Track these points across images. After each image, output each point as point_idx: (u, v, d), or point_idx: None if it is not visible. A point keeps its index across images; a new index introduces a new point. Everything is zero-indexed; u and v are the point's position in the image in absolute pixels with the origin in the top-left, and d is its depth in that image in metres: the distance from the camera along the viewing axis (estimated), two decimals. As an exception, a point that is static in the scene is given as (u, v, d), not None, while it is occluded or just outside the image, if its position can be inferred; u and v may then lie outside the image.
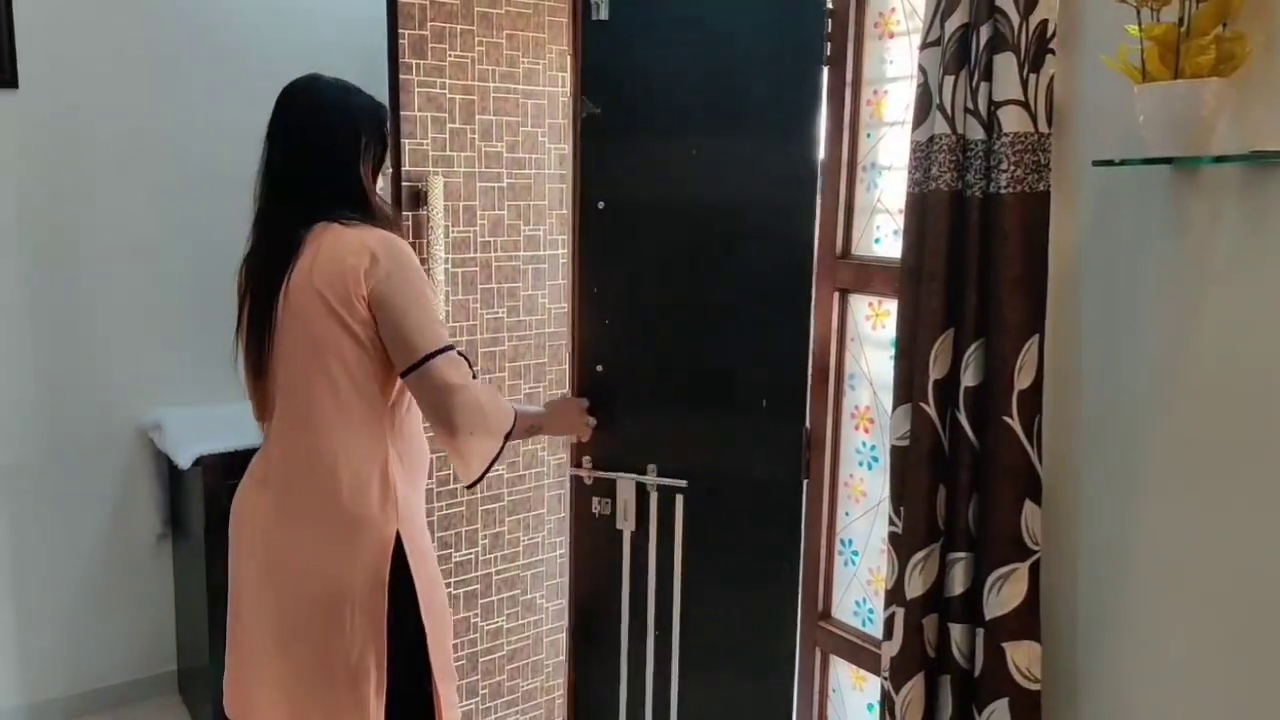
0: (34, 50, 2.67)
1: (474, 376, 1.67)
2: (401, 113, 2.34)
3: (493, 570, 2.63)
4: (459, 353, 1.64)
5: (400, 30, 2.31)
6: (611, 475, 2.02)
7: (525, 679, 2.72)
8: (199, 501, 2.61)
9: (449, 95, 2.40)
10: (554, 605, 2.75)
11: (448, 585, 2.54)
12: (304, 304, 1.59)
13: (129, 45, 2.77)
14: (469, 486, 1.82)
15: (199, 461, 2.58)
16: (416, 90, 2.35)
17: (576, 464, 2.07)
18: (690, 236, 1.90)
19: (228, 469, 2.46)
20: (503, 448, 1.72)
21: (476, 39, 2.41)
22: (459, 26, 2.39)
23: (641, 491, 1.99)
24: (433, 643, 1.69)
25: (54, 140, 2.75)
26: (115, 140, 2.80)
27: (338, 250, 1.59)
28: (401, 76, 2.32)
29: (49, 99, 2.72)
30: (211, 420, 2.77)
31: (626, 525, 2.02)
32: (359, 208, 1.67)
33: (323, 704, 1.66)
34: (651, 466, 1.98)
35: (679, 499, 1.94)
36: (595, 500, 2.07)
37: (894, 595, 1.36)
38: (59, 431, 2.79)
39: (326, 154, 1.67)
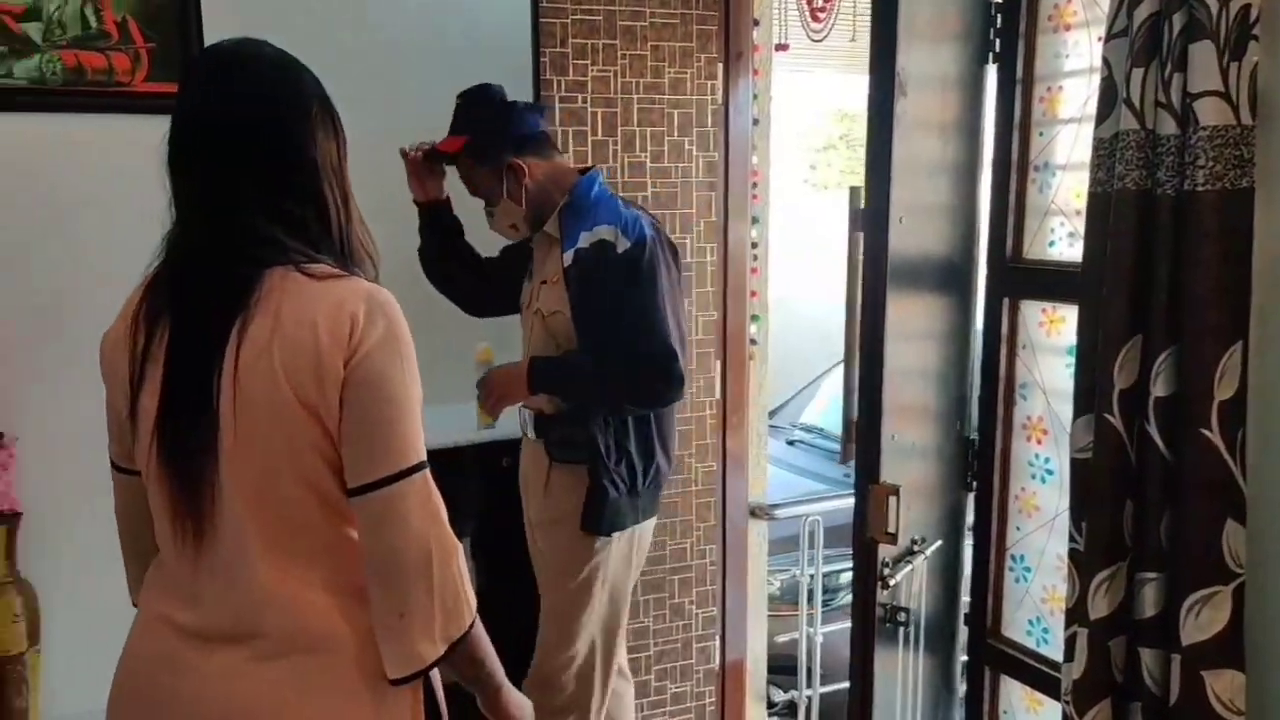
0: None
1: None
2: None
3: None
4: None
5: (542, 49, 2.35)
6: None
7: (674, 682, 2.74)
8: None
9: (590, 109, 2.44)
10: (704, 612, 2.75)
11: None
12: (263, 391, 1.09)
13: (314, 67, 2.86)
14: (395, 682, 1.15)
15: None
16: (558, 106, 2.39)
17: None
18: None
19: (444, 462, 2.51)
20: (436, 662, 1.15)
21: (619, 53, 2.44)
22: (601, 42, 2.42)
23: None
24: None
25: None
26: None
27: (306, 314, 1.10)
28: (542, 94, 2.37)
29: None
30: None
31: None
32: (329, 242, 1.18)
33: None
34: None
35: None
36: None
37: (1075, 615, 1.29)
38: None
39: (291, 154, 1.17)
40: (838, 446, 3.93)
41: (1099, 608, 1.26)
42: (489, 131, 1.95)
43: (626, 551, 2.04)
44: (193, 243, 1.15)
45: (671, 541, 2.68)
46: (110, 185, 2.27)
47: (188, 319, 1.13)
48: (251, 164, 1.14)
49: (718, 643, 2.80)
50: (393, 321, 1.13)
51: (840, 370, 4.56)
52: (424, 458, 1.15)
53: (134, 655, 1.21)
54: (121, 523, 1.31)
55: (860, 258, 1.75)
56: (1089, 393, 1.28)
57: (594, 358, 1.92)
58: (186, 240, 1.16)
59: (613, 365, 1.91)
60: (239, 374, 1.09)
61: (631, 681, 2.29)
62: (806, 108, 7.05)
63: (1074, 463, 1.33)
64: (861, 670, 1.74)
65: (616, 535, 2.00)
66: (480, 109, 1.97)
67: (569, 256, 1.91)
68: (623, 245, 1.87)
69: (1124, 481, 1.25)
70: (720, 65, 2.57)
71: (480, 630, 1.21)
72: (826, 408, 4.43)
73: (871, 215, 1.64)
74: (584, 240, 1.89)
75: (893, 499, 1.61)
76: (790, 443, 4.16)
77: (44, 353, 2.33)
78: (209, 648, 1.14)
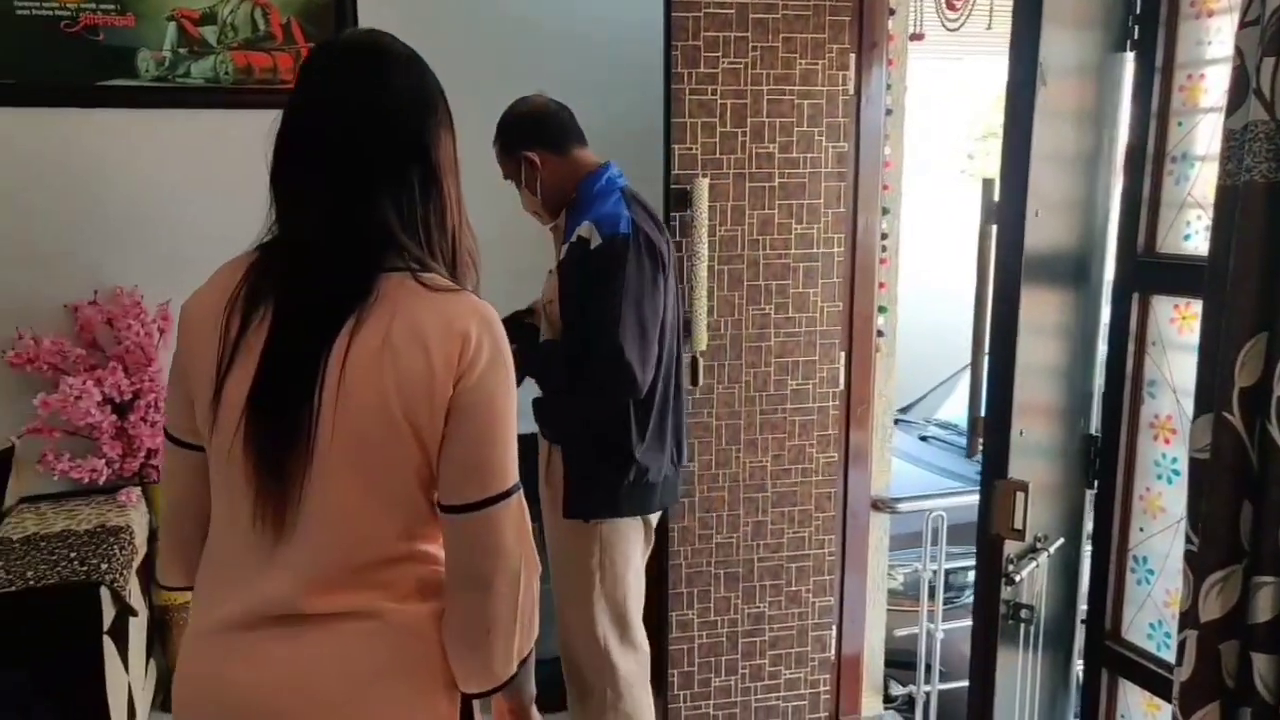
0: None
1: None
2: (672, 120, 2.45)
3: (755, 557, 2.69)
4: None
5: (673, 43, 2.41)
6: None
7: (788, 668, 2.77)
8: None
9: (720, 101, 2.48)
10: (820, 601, 2.76)
11: (709, 565, 2.64)
12: (371, 400, 1.08)
13: (460, 67, 2.95)
14: (474, 697, 1.21)
15: None
16: (687, 98, 2.45)
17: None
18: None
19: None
20: (508, 682, 1.18)
21: (750, 45, 2.47)
22: (732, 34, 2.46)
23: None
24: None
25: None
26: None
27: (419, 329, 1.09)
28: (673, 86, 2.43)
29: None
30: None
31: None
32: (445, 244, 1.17)
33: None
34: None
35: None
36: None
37: (1187, 618, 1.26)
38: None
39: (420, 149, 1.16)
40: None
41: (1210, 610, 1.23)
42: (510, 125, 2.10)
43: (621, 537, 2.08)
44: (309, 234, 1.13)
45: (790, 530, 2.71)
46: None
47: (298, 309, 1.11)
48: (381, 154, 1.12)
49: (834, 632, 2.81)
50: (498, 340, 1.12)
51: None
52: (518, 479, 1.15)
53: (196, 659, 1.18)
54: (170, 494, 1.27)
55: (991, 251, 1.73)
56: (1209, 391, 1.24)
57: (558, 348, 2.02)
58: (303, 229, 1.13)
59: (566, 356, 1.99)
60: (345, 374, 1.08)
61: (646, 654, 2.26)
62: (967, 95, 6.83)
63: (1193, 462, 1.30)
64: (983, 666, 1.73)
65: (605, 522, 2.04)
66: (511, 109, 2.12)
67: (564, 249, 2.01)
68: (595, 241, 1.93)
69: (1243, 483, 1.21)
70: (853, 56, 2.56)
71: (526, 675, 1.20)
72: (964, 404, 4.34)
73: (1007, 208, 1.62)
74: (574, 235, 1.98)
75: (1020, 494, 1.59)
76: (923, 438, 4.10)
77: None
78: (267, 631, 1.12)
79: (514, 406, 1.15)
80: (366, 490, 1.11)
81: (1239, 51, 1.21)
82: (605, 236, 1.93)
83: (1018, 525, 1.60)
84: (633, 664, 2.15)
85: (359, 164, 1.13)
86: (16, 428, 2.59)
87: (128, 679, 2.30)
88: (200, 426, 1.17)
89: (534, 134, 2.06)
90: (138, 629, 2.48)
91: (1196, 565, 1.26)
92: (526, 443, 2.58)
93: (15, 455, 2.62)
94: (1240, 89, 1.21)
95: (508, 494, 1.13)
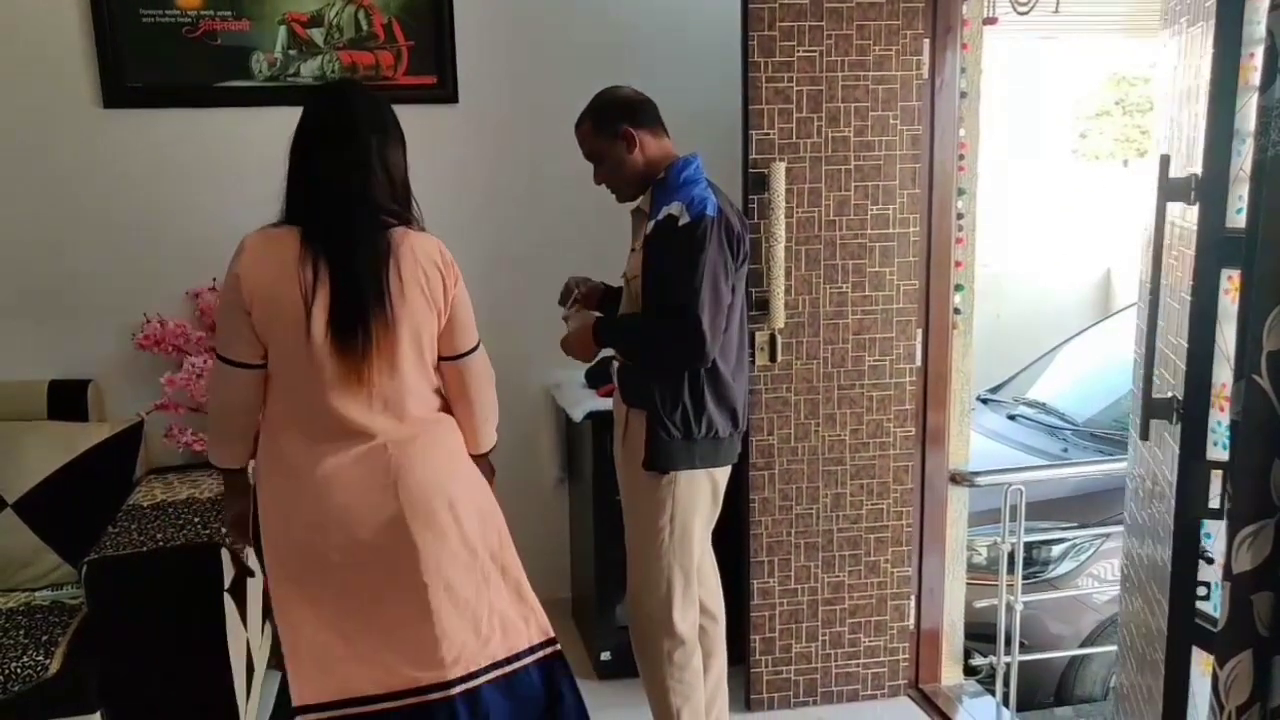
0: (470, 68, 3.04)
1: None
2: (750, 107, 2.56)
3: (834, 528, 2.79)
4: None
5: (750, 32, 2.51)
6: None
7: (868, 636, 2.86)
8: (589, 450, 2.94)
9: (796, 88, 2.57)
10: (899, 572, 2.84)
11: (789, 534, 2.76)
12: (417, 298, 1.85)
13: (548, 63, 3.11)
14: (483, 456, 2.11)
15: (589, 416, 2.87)
16: (765, 85, 2.55)
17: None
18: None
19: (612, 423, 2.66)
20: (490, 452, 2.12)
21: (825, 33, 2.56)
22: (808, 24, 2.55)
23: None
24: None
25: (488, 151, 3.11)
26: (535, 150, 3.09)
27: (425, 256, 1.87)
28: (750, 74, 2.53)
29: (484, 112, 3.08)
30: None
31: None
32: (408, 204, 1.93)
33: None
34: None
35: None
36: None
37: (1224, 571, 1.33)
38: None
39: (399, 151, 1.92)
40: (1060, 423, 3.86)
41: (1242, 562, 1.30)
42: (607, 104, 2.24)
43: (691, 493, 2.23)
44: (335, 210, 1.83)
45: (869, 502, 2.80)
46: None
47: (356, 253, 1.82)
48: (381, 149, 1.87)
49: (913, 602, 2.89)
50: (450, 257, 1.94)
51: (1071, 347, 4.44)
52: (478, 340, 2.00)
53: (316, 477, 1.89)
54: (226, 400, 1.94)
55: (1168, 229, 1.69)
56: (1242, 357, 1.31)
57: (641, 318, 2.18)
58: (326, 206, 1.83)
59: (649, 325, 2.16)
60: (404, 285, 1.83)
61: (720, 622, 2.45)
62: (1071, 74, 6.62)
63: (1231, 425, 1.36)
64: (1179, 647, 1.72)
65: (680, 475, 2.20)
66: (605, 93, 2.27)
67: (650, 227, 2.14)
68: (684, 220, 2.08)
69: (1272, 441, 1.27)
70: (926, 41, 2.62)
71: None
72: (1055, 384, 4.31)
73: (1208, 185, 1.60)
74: (662, 214, 2.12)
75: (1216, 473, 1.58)
76: (1011, 417, 4.10)
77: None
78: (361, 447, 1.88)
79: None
80: (415, 353, 1.89)
81: (1269, 32, 1.27)
82: (694, 216, 2.08)
83: (1215, 506, 1.59)
84: (692, 619, 2.30)
85: (370, 154, 1.87)
86: (145, 405, 2.88)
87: (246, 635, 2.52)
88: (272, 346, 1.86)
89: (632, 114, 2.22)
90: (255, 591, 2.71)
91: (1231, 520, 1.33)
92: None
93: (144, 430, 2.89)
94: (1270, 67, 1.26)
95: (477, 346, 2.00)
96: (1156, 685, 1.86)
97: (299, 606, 1.90)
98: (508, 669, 1.98)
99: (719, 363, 2.16)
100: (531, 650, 2.03)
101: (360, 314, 1.81)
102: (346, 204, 1.83)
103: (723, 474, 2.31)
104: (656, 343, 2.17)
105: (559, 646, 2.08)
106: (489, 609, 1.97)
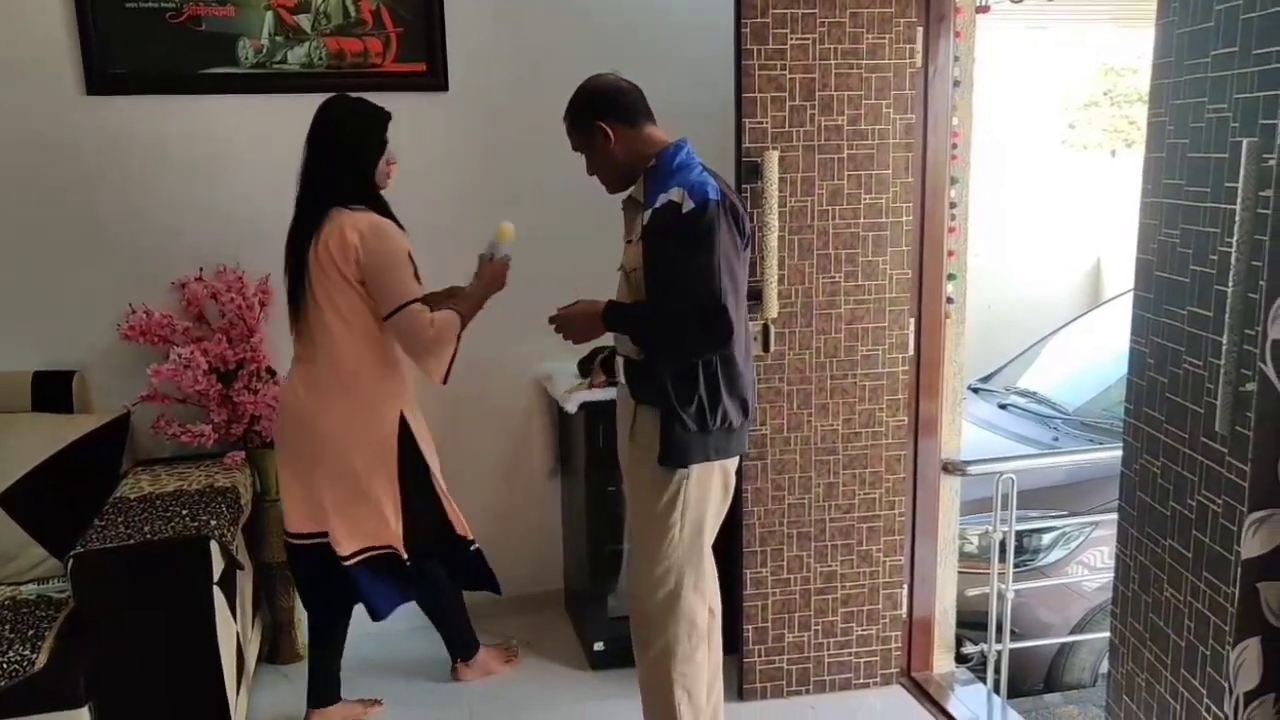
0: (460, 55, 3.01)
1: (430, 312, 2.40)
2: (743, 95, 2.53)
3: (826, 517, 2.78)
4: (420, 302, 2.39)
5: (743, 20, 2.49)
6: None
7: (860, 625, 2.86)
8: (581, 442, 2.92)
9: (789, 76, 2.55)
10: (891, 561, 2.84)
11: (781, 524, 2.75)
12: (323, 265, 2.36)
13: (539, 50, 3.08)
14: (443, 383, 2.46)
15: (582, 408, 2.86)
16: (758, 73, 2.53)
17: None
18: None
19: (606, 415, 2.62)
20: (457, 346, 2.44)
21: (818, 20, 2.54)
22: (800, 11, 2.53)
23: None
24: (434, 472, 2.61)
25: (478, 139, 3.08)
26: (525, 138, 3.06)
27: (344, 230, 2.34)
28: (743, 62, 2.51)
29: (474, 101, 3.06)
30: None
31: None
32: (368, 197, 2.40)
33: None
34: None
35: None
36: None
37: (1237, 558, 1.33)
38: (484, 379, 3.15)
39: (349, 156, 2.39)
40: (1052, 412, 3.87)
41: (1251, 548, 1.29)
42: (581, 99, 2.22)
43: (703, 489, 2.20)
44: (304, 200, 2.43)
45: (861, 491, 2.80)
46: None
47: (297, 232, 2.42)
48: (349, 154, 2.42)
49: (905, 591, 2.90)
50: (382, 233, 2.38)
51: (1062, 336, 4.44)
52: (409, 299, 2.38)
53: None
54: None
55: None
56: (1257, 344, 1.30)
57: (658, 305, 2.11)
58: (304, 198, 2.43)
59: (666, 313, 2.10)
60: (318, 253, 2.37)
61: (717, 615, 2.38)
62: (1059, 64, 6.58)
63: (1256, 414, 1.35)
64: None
65: (693, 470, 2.17)
66: (582, 85, 2.24)
67: (647, 216, 2.10)
68: (687, 206, 2.03)
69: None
70: (919, 29, 2.60)
71: (464, 317, 2.49)
72: (1047, 373, 4.32)
73: None
74: (660, 201, 2.07)
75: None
76: (1002, 406, 4.10)
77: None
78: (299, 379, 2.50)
79: (400, 263, 2.40)
80: (327, 307, 2.41)
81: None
82: (698, 201, 2.04)
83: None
84: (702, 615, 2.28)
85: (337, 162, 2.41)
86: (131, 396, 2.85)
87: (236, 628, 2.51)
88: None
89: (605, 107, 2.18)
90: (245, 583, 2.69)
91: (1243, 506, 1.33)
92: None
93: (131, 422, 2.87)
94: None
95: (404, 306, 2.38)
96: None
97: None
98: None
99: (734, 350, 2.13)
100: None
101: (292, 280, 2.44)
102: (324, 192, 2.41)
103: (732, 464, 2.28)
104: (681, 330, 2.08)
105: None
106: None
